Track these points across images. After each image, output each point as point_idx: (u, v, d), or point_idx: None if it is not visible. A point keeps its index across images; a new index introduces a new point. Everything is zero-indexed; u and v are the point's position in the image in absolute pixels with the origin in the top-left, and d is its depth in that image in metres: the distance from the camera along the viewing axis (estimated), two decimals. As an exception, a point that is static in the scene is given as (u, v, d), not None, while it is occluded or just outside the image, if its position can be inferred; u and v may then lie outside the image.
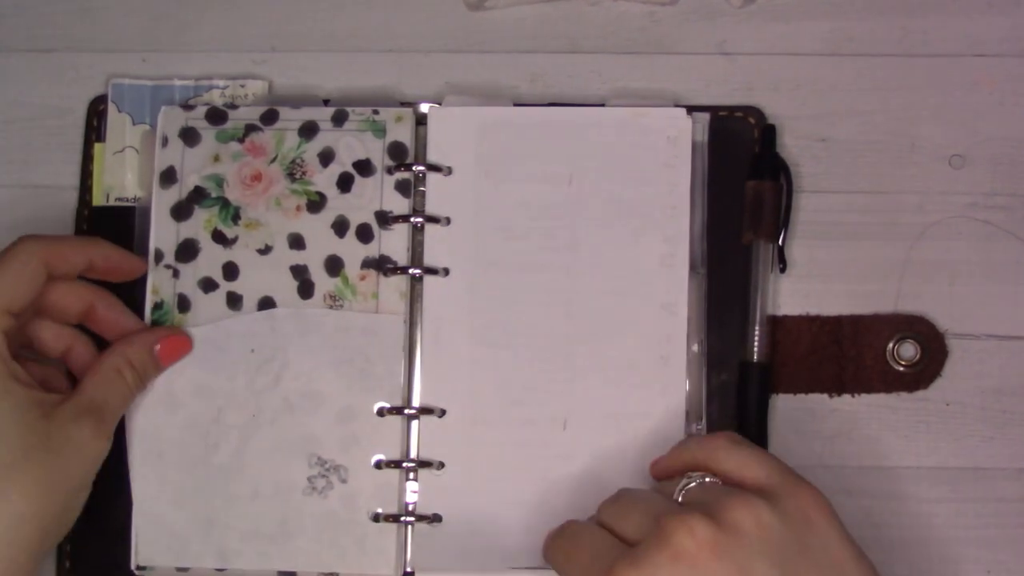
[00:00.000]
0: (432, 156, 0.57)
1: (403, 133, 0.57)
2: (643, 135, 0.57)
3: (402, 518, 0.55)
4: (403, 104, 0.59)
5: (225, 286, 0.57)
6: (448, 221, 0.57)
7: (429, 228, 0.57)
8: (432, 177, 0.57)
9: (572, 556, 0.48)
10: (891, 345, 0.57)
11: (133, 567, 0.56)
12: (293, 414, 0.56)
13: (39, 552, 0.50)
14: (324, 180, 0.57)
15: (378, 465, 0.55)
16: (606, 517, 0.49)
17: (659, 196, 0.57)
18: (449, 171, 0.57)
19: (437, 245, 0.57)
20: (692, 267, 0.57)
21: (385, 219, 0.57)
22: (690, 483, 0.48)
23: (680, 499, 0.48)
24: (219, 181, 0.58)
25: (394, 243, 0.57)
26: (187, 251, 0.57)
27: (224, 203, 0.58)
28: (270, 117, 0.58)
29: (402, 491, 0.55)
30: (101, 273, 0.55)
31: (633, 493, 0.49)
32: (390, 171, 0.57)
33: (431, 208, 0.57)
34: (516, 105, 0.58)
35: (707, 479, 0.48)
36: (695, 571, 0.43)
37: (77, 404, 0.52)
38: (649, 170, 0.57)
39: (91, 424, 0.51)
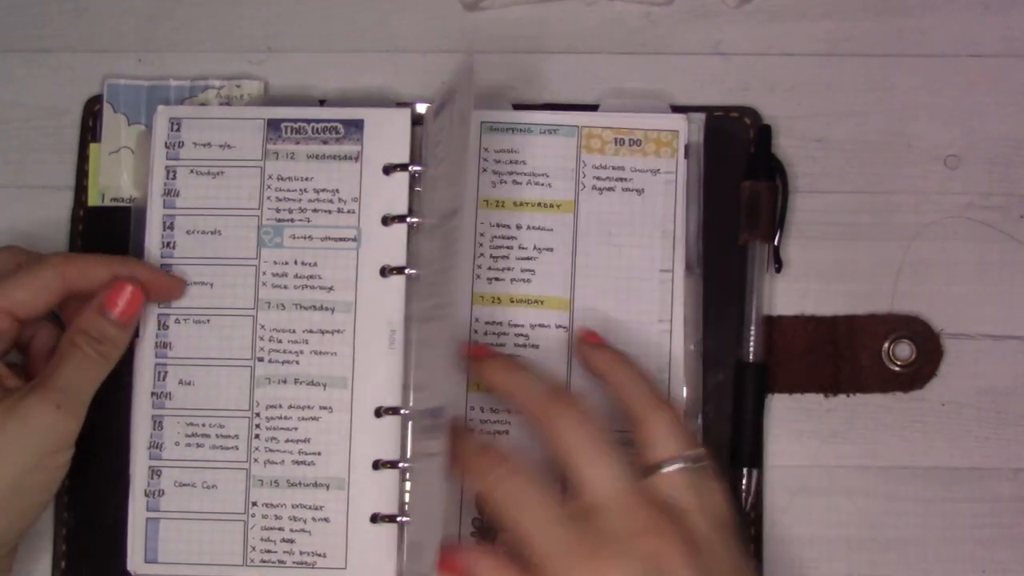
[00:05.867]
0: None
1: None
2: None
3: (400, 518, 0.55)
4: (399, 104, 0.58)
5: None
6: (445, 222, 0.57)
7: (426, 229, 0.57)
8: (429, 178, 0.57)
9: (516, 507, 0.49)
10: (887, 345, 0.57)
11: (130, 570, 0.55)
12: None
13: None
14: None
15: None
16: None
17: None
18: (446, 172, 0.57)
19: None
20: (688, 267, 0.57)
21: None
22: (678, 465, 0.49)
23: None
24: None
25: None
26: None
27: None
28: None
29: (400, 491, 0.55)
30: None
31: (533, 488, 0.49)
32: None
33: (428, 209, 0.57)
34: (514, 107, 0.58)
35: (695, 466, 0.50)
36: None
37: (31, 384, 0.51)
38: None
39: (37, 396, 0.50)
